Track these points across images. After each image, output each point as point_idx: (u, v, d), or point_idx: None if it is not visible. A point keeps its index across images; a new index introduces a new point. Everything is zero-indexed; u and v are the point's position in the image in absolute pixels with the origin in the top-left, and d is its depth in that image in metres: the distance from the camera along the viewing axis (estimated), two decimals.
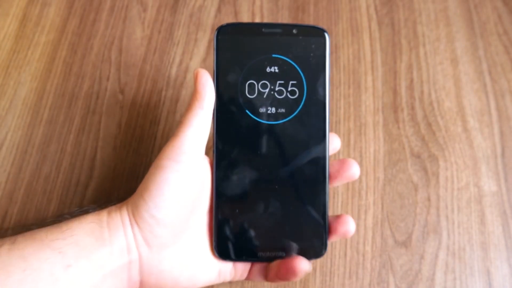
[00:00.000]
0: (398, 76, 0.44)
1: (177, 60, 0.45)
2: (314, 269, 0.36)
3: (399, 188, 0.39)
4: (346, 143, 0.41)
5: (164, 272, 0.27)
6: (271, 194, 0.29)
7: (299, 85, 0.30)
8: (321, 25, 0.46)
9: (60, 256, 0.25)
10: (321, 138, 0.30)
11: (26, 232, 0.26)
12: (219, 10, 0.47)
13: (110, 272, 0.26)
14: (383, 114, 0.42)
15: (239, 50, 0.29)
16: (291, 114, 0.29)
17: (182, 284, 0.28)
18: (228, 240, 0.29)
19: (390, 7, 0.47)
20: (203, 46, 0.46)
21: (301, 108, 0.29)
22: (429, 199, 0.39)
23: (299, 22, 0.46)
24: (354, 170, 0.30)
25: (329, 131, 0.30)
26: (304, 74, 0.30)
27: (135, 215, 0.27)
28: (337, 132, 0.41)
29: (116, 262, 0.26)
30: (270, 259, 0.30)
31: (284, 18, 0.47)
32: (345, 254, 0.37)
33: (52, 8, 0.47)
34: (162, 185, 0.26)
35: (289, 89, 0.30)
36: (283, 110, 0.29)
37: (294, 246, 0.29)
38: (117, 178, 0.39)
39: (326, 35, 0.30)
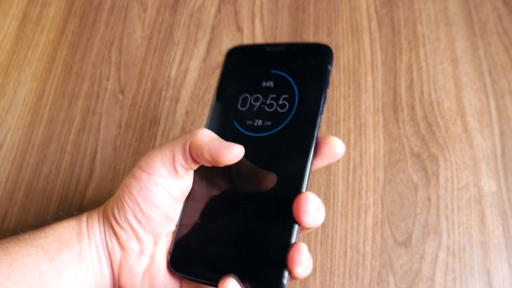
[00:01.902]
0: (398, 76, 0.44)
1: (177, 60, 0.45)
2: (314, 269, 0.36)
3: (399, 188, 0.39)
4: (346, 143, 0.41)
5: (136, 268, 0.28)
6: (235, 211, 0.27)
7: (290, 100, 0.29)
8: (321, 25, 0.46)
9: (43, 252, 0.26)
10: (303, 155, 0.27)
11: (9, 237, 0.28)
12: (219, 10, 0.47)
13: (91, 264, 0.27)
14: (383, 114, 0.42)
15: (242, 68, 0.31)
16: (276, 127, 0.28)
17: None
18: (182, 252, 0.28)
19: (390, 7, 0.47)
20: (203, 46, 0.46)
21: (288, 122, 0.28)
22: (429, 199, 0.39)
23: (299, 22, 0.46)
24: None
25: (313, 150, 0.27)
26: (298, 89, 0.29)
27: (115, 214, 0.27)
28: (337, 132, 0.41)
29: (96, 255, 0.28)
30: (216, 282, 0.25)
31: (284, 18, 0.47)
32: (345, 254, 0.37)
33: (52, 8, 0.47)
34: (149, 196, 0.26)
35: (280, 102, 0.29)
36: (269, 123, 0.28)
37: (247, 272, 0.25)
38: (117, 178, 0.39)
39: (329, 51, 0.29)
